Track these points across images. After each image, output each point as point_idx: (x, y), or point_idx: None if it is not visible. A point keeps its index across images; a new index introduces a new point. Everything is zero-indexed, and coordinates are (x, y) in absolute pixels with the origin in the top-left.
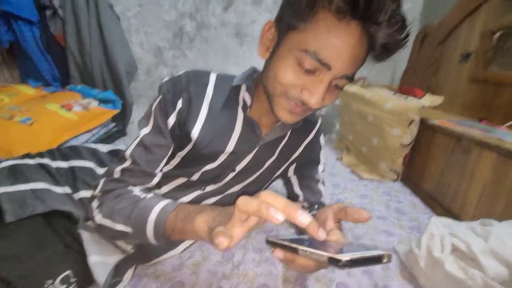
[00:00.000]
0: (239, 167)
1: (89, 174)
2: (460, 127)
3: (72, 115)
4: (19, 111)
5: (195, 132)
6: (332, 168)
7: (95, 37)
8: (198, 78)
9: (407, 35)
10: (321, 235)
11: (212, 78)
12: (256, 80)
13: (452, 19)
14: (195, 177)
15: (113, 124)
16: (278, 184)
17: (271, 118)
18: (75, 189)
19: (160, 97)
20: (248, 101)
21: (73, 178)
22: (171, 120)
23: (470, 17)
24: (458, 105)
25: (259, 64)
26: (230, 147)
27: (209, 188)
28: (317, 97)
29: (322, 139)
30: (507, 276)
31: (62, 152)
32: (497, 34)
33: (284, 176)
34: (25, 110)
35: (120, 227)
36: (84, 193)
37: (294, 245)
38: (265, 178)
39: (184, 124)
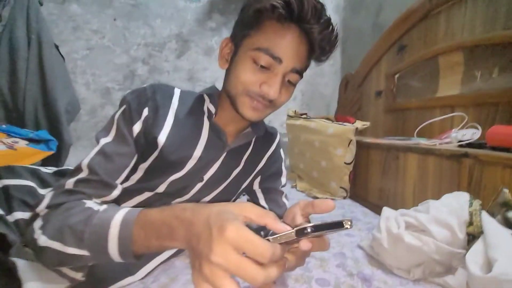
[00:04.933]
0: (206, 176)
1: (28, 193)
2: (387, 141)
3: None
4: None
5: (162, 137)
6: (289, 194)
7: (33, 76)
8: (163, 89)
9: (336, 34)
10: (287, 227)
11: (177, 91)
12: (219, 93)
13: (364, 68)
14: (161, 189)
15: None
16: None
17: (235, 126)
18: (9, 210)
19: (124, 106)
20: (212, 110)
21: (7, 197)
22: (136, 127)
23: (376, 65)
24: (380, 130)
25: None
26: (198, 152)
27: (176, 202)
28: (274, 88)
29: (282, 152)
30: (450, 236)
31: None
32: (397, 75)
33: (250, 190)
34: None
35: (72, 250)
36: (21, 214)
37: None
38: (232, 190)
39: (150, 131)
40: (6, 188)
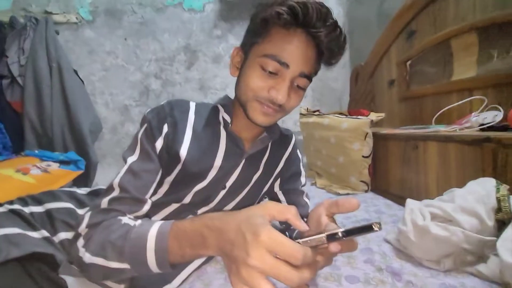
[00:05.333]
0: (228, 183)
1: (69, 215)
2: (404, 131)
3: (29, 178)
4: None
5: (183, 151)
6: (309, 191)
7: (57, 101)
8: (180, 105)
9: (344, 36)
10: (305, 225)
11: (192, 105)
12: (233, 102)
13: (373, 58)
14: (187, 199)
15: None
16: None
17: (251, 133)
18: (54, 232)
19: (145, 125)
20: (228, 119)
21: (51, 220)
22: (159, 144)
23: (386, 54)
24: (396, 120)
25: None
26: (218, 162)
27: (201, 211)
28: (282, 93)
29: (298, 152)
30: (478, 224)
31: (35, 197)
32: (409, 62)
33: (271, 192)
34: None
35: (114, 264)
36: (65, 235)
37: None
38: (254, 195)
39: (171, 146)
40: (49, 212)
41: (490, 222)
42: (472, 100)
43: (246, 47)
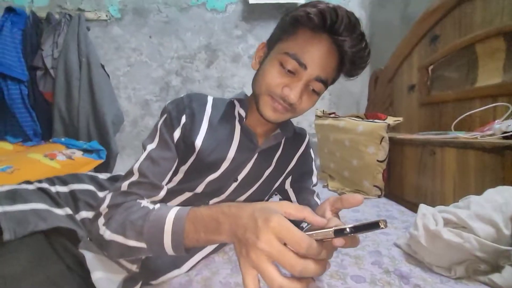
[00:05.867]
0: (240, 176)
1: (90, 196)
2: (421, 137)
3: (55, 163)
4: None
5: (198, 141)
6: (321, 193)
7: (85, 93)
8: (198, 98)
9: (369, 51)
10: (323, 220)
11: (210, 99)
12: (250, 96)
13: (394, 62)
14: (199, 189)
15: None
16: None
17: (264, 128)
18: (77, 210)
19: (165, 115)
20: (243, 114)
21: (74, 200)
22: (177, 133)
23: (407, 59)
24: (415, 125)
25: None
26: (231, 154)
27: (213, 201)
28: (295, 92)
29: (312, 152)
30: (494, 233)
31: (61, 178)
32: (431, 67)
33: (282, 189)
34: (5, 160)
35: (132, 243)
36: (86, 214)
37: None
38: (265, 190)
39: (188, 136)
40: (73, 192)
41: (507, 231)
42: (496, 107)
43: (271, 43)
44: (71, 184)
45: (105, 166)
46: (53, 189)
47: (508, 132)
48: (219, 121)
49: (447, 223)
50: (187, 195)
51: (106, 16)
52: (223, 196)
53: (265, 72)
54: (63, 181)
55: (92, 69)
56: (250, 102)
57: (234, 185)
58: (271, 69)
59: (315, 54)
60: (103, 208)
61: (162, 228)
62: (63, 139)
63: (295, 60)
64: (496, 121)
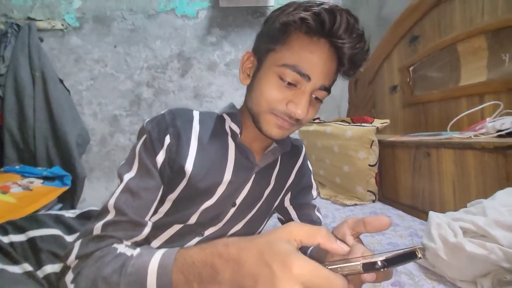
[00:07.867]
0: (239, 200)
1: (56, 243)
2: (414, 138)
3: (9, 197)
4: None
5: (189, 165)
6: None
7: (41, 112)
8: (182, 114)
9: (368, 48)
10: (343, 246)
11: (196, 114)
12: (240, 110)
13: (373, 63)
14: (193, 219)
15: (60, 206)
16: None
17: (261, 144)
18: (38, 265)
19: (144, 137)
20: (237, 130)
21: (34, 251)
22: (160, 157)
23: (387, 59)
24: (399, 127)
25: None
26: (227, 176)
27: (209, 231)
28: (302, 108)
29: (309, 163)
30: None
31: (16, 224)
32: (411, 68)
33: (281, 207)
34: None
35: None
36: (51, 268)
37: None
38: (265, 212)
39: (175, 160)
40: (32, 240)
41: None
42: (484, 106)
43: (260, 53)
44: (29, 230)
45: (71, 194)
46: (5, 239)
47: (503, 130)
48: (209, 139)
49: (464, 232)
50: (176, 227)
51: (62, 25)
52: (220, 224)
53: (262, 88)
54: (19, 227)
55: (48, 84)
56: (243, 115)
57: (232, 210)
58: (270, 85)
59: (317, 62)
60: (71, 260)
61: (144, 283)
62: (17, 167)
63: (295, 71)
64: (487, 119)
